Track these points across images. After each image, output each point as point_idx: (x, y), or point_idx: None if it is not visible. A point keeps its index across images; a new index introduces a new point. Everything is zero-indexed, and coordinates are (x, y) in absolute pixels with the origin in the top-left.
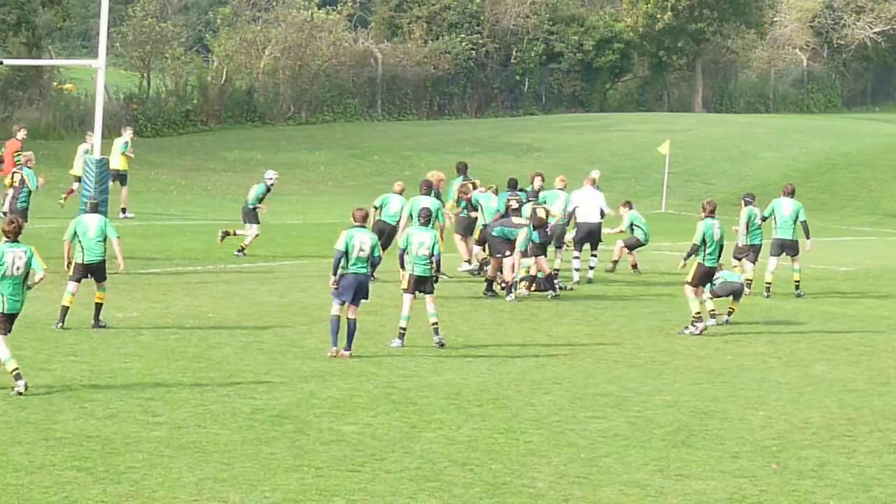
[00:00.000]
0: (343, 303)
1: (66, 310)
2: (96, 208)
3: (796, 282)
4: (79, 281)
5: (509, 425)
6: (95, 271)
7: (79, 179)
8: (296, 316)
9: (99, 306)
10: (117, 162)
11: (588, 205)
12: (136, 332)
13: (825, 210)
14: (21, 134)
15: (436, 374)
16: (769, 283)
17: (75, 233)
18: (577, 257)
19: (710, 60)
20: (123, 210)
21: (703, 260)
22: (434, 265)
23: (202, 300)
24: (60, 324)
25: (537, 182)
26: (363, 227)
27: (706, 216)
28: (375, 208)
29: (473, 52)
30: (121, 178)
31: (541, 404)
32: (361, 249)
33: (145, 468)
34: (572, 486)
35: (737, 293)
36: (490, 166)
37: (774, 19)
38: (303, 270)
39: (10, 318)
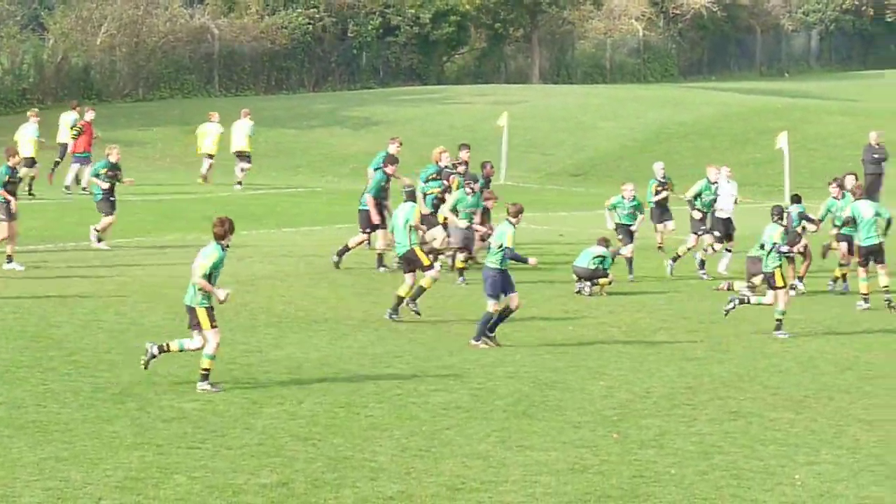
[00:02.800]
0: None
1: None
2: None
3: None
4: None
5: (351, 399)
6: None
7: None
8: (136, 294)
9: None
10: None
11: None
12: None
13: None
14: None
15: (276, 349)
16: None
17: None
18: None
19: (547, 32)
20: None
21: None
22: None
23: (41, 279)
24: None
25: (464, 154)
26: None
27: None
28: None
29: (310, 26)
30: None
31: (382, 378)
32: None
33: None
34: (414, 459)
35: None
36: (328, 140)
37: None
38: (141, 248)
39: None
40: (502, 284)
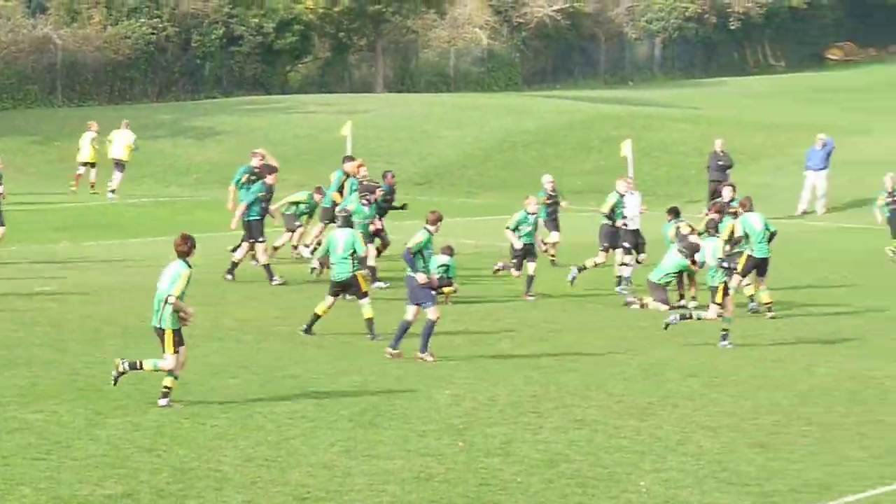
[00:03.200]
0: None
1: None
2: None
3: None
4: None
5: (196, 410)
6: None
7: (86, 165)
8: None
9: None
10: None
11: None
12: None
13: (507, 188)
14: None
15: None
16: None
17: None
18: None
19: (391, 41)
20: None
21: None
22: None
23: None
24: None
25: (362, 171)
26: None
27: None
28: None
29: (153, 36)
30: None
31: (227, 388)
32: None
33: None
34: (260, 469)
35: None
36: (172, 150)
37: None
38: None
39: None
40: (424, 293)
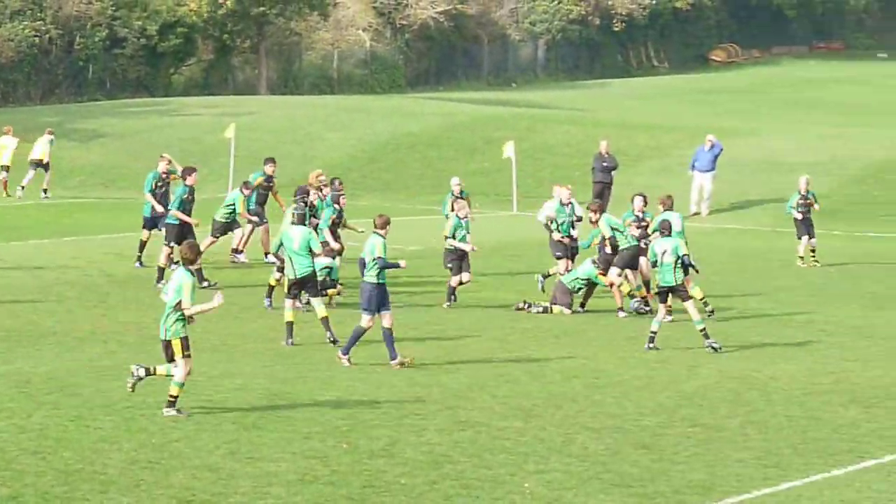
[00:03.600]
0: None
1: None
2: None
3: None
4: None
5: (80, 412)
6: None
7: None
8: None
9: None
10: None
11: None
12: None
13: (391, 190)
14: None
15: (5, 363)
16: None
17: None
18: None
19: (275, 43)
20: None
21: None
22: None
23: None
24: None
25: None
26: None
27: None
28: None
29: (37, 38)
30: None
31: (111, 391)
32: None
33: None
34: (143, 472)
35: None
36: (56, 153)
37: (338, 1)
38: None
39: None
40: (379, 299)
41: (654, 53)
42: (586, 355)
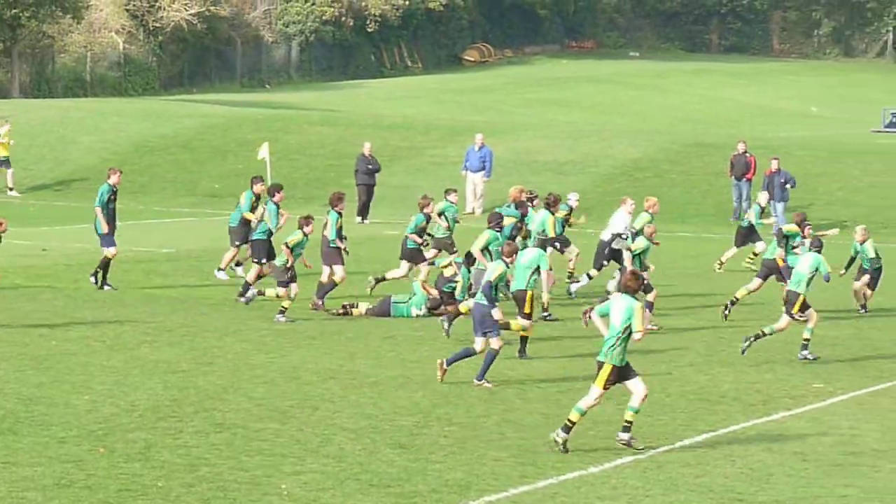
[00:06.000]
0: None
1: None
2: None
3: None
4: None
5: None
6: None
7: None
8: None
9: None
10: None
11: None
12: None
13: (145, 193)
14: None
15: None
16: None
17: None
18: None
19: (27, 46)
20: None
21: None
22: None
23: None
24: None
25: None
26: None
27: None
28: None
29: None
30: None
31: None
32: None
33: None
34: None
35: None
36: None
37: (90, 3)
38: None
39: None
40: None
41: (407, 54)
42: (342, 356)
